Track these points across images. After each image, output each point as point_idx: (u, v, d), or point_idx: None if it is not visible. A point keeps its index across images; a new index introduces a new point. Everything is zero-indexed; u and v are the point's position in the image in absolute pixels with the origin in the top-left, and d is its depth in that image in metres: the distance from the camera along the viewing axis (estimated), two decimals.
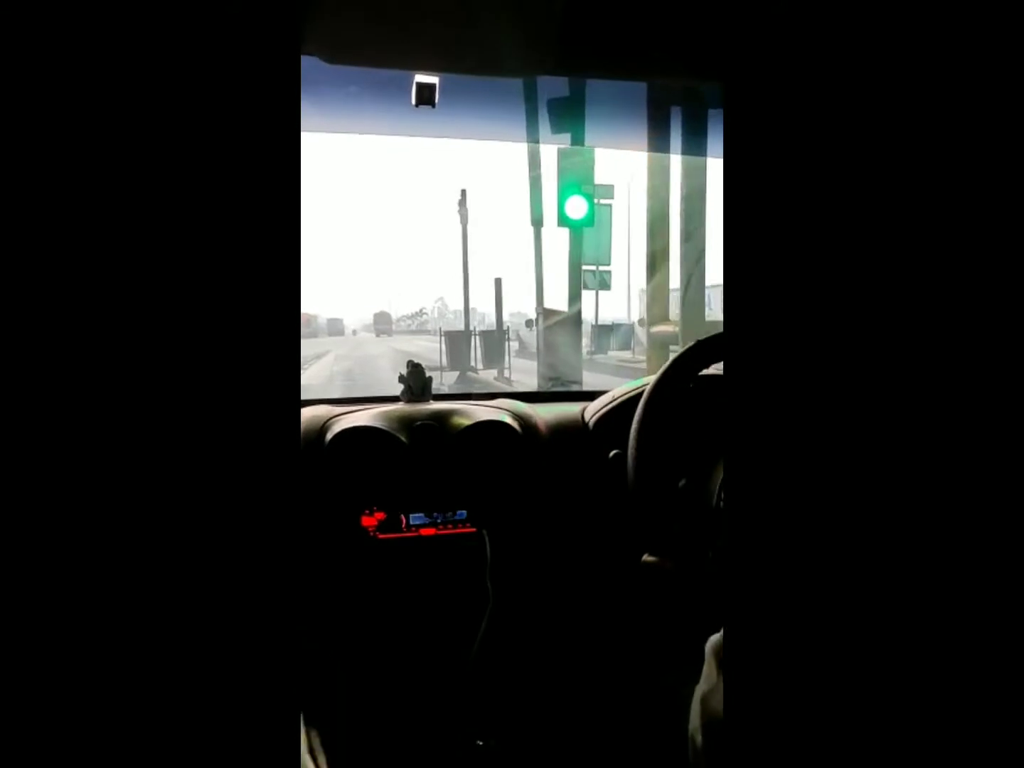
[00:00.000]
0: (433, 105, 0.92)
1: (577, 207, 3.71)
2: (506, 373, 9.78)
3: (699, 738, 0.53)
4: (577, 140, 1.28)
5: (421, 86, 0.91)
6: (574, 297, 5.50)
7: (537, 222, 5.88)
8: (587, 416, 1.26)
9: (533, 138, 1.21)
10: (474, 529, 1.13)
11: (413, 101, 0.92)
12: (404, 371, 1.29)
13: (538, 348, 5.75)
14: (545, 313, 5.56)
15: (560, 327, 5.29)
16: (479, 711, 1.00)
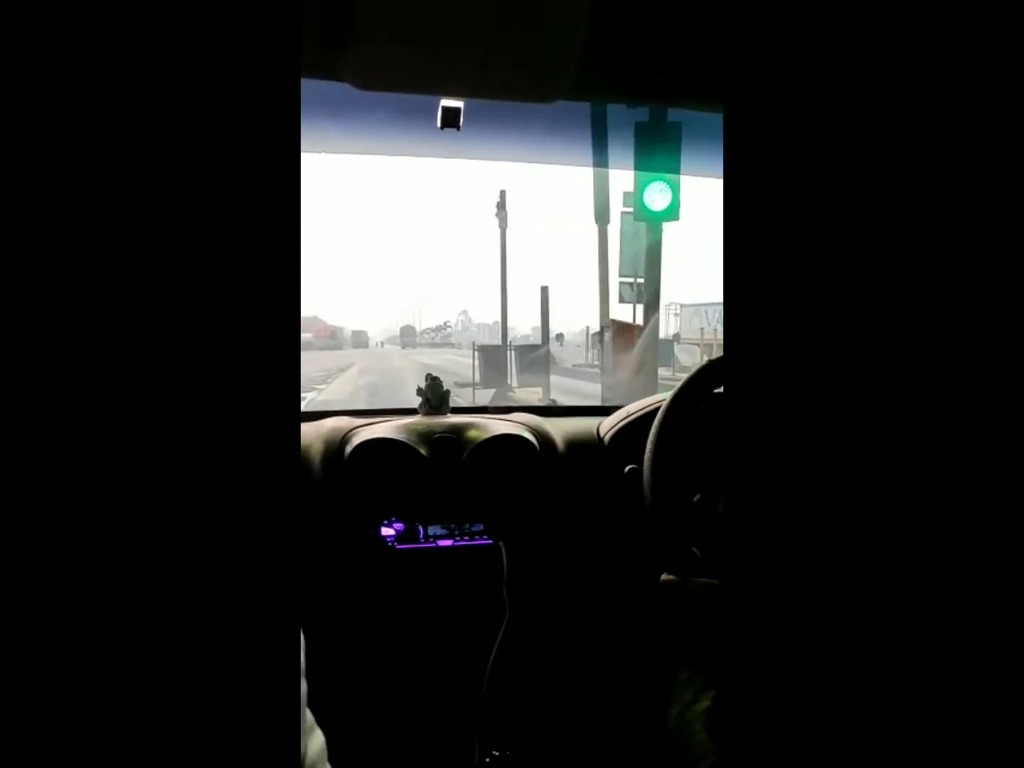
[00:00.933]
0: (458, 128, 0.96)
1: (659, 196, 2.94)
2: (551, 394, 8.58)
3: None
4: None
5: (446, 110, 0.94)
6: (651, 305, 4.51)
7: (602, 216, 5.12)
8: (603, 431, 1.28)
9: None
10: (491, 541, 1.14)
11: (438, 124, 0.95)
12: (423, 384, 1.32)
13: (603, 366, 5.21)
14: (615, 326, 4.87)
15: (633, 342, 4.58)
16: (493, 722, 1.01)
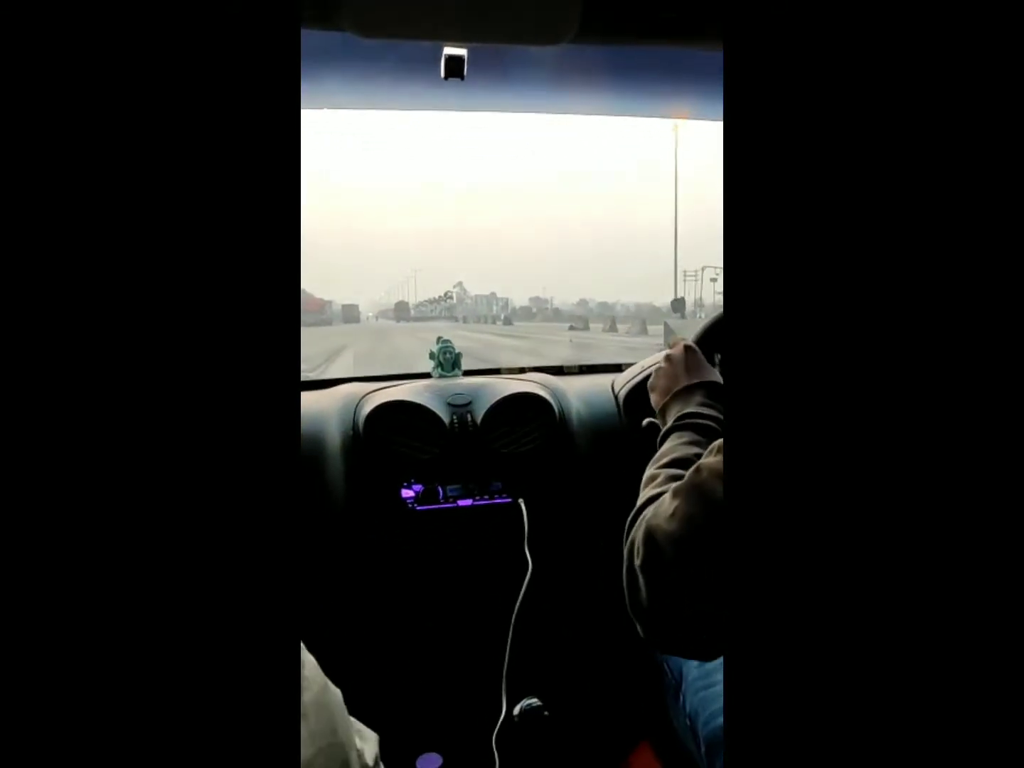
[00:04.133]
0: (462, 77, 0.93)
1: None
2: None
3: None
4: None
5: (449, 58, 0.91)
6: None
7: None
8: (616, 387, 1.27)
9: None
10: (510, 499, 1.15)
11: (442, 74, 0.93)
12: (434, 348, 1.31)
13: None
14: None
15: None
16: (520, 673, 1.03)
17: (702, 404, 0.70)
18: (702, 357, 0.80)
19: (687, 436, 0.66)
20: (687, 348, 0.80)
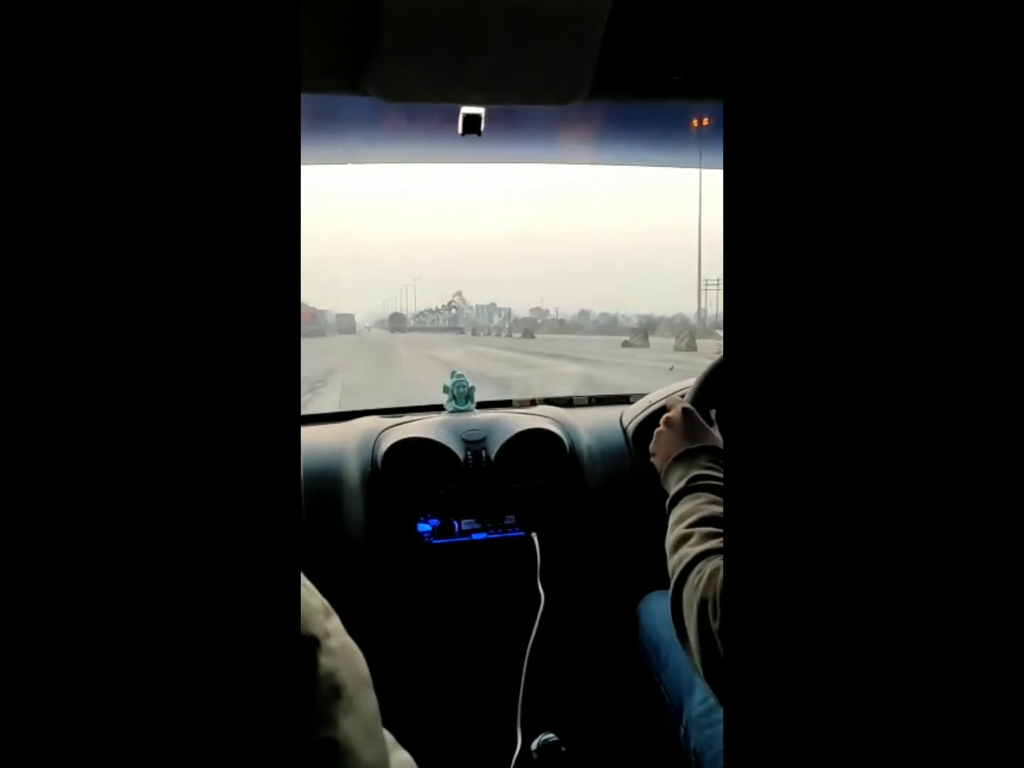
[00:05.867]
0: (479, 134, 0.97)
1: None
2: None
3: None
4: None
5: (467, 116, 0.96)
6: None
7: None
8: (625, 421, 1.31)
9: None
10: (523, 533, 1.18)
11: (460, 130, 0.97)
12: (448, 382, 1.35)
13: None
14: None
15: None
16: (534, 707, 1.06)
17: (707, 467, 0.72)
18: (700, 419, 0.81)
19: (704, 496, 0.68)
20: (685, 411, 0.81)
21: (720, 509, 0.63)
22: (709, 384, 1.05)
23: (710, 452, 0.75)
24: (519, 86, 0.88)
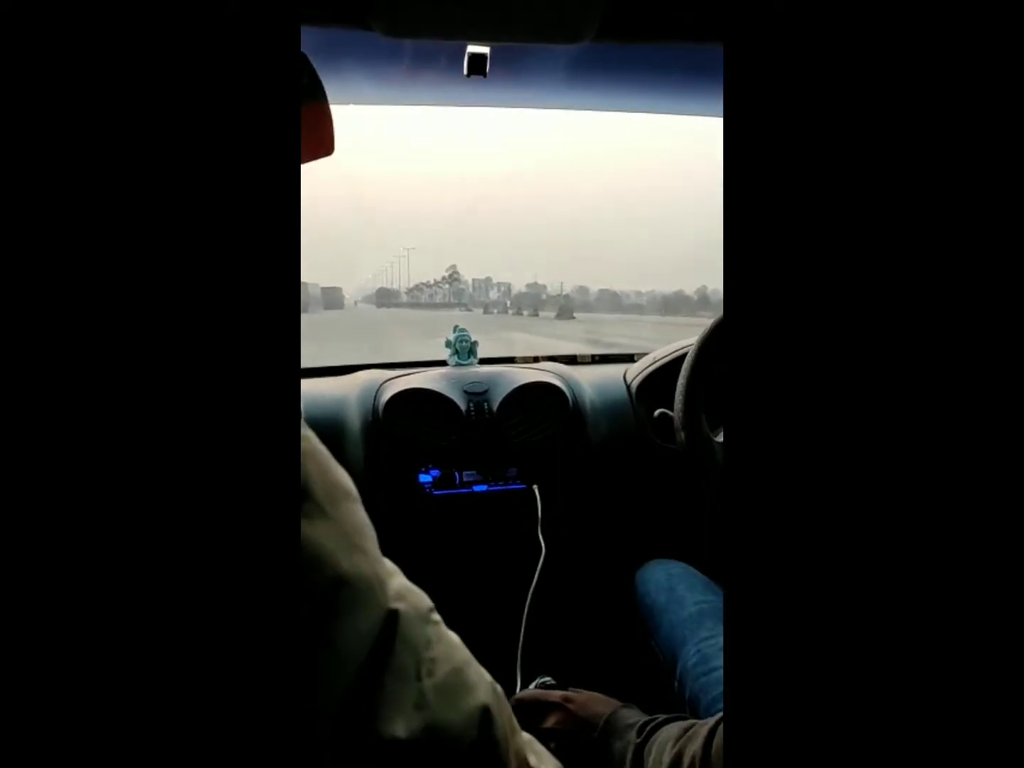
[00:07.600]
0: (484, 75, 0.95)
1: None
2: None
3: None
4: None
5: (473, 56, 0.94)
6: None
7: None
8: (629, 378, 1.30)
9: None
10: (524, 485, 1.18)
11: (465, 71, 0.95)
12: (451, 336, 1.34)
13: None
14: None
15: None
16: (534, 653, 1.07)
17: (632, 717, 0.65)
18: (592, 694, 0.73)
19: (673, 730, 0.58)
20: (576, 694, 0.74)
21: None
22: (711, 341, 1.04)
23: (617, 709, 0.68)
24: (525, 22, 0.86)
